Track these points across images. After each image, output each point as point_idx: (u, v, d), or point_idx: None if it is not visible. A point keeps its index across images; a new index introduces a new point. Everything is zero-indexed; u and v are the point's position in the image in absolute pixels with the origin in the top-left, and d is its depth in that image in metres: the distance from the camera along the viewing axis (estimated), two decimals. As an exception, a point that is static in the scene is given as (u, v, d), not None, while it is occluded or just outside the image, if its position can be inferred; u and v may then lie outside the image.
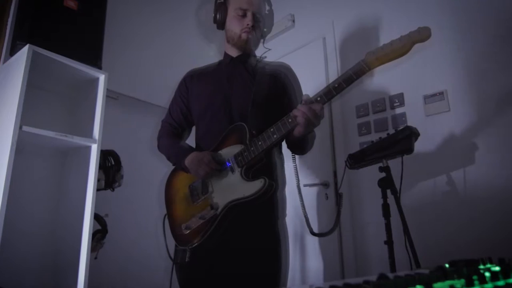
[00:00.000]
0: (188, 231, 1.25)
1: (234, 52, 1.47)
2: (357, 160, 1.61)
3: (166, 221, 1.36)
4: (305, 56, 2.72)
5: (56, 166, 1.92)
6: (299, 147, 1.33)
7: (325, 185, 2.38)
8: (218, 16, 1.47)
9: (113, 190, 1.87)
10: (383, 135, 1.58)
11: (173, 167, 1.43)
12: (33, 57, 1.56)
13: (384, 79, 2.18)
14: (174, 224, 1.32)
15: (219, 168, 1.23)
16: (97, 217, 1.75)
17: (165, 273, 1.44)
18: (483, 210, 1.69)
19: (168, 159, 1.43)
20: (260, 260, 1.20)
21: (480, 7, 1.85)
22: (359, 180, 2.21)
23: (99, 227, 1.79)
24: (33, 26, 1.64)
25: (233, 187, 1.21)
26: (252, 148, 1.19)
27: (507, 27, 1.74)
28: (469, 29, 1.87)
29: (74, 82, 1.90)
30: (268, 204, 1.26)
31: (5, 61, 1.79)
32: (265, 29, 1.51)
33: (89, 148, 1.74)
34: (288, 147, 1.38)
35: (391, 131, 1.72)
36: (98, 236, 1.77)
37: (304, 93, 1.18)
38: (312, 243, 2.37)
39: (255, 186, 1.15)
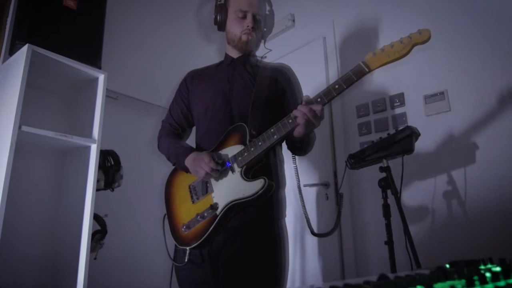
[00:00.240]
0: (188, 231, 1.25)
1: (234, 53, 1.47)
2: (357, 160, 1.61)
3: (166, 221, 1.36)
4: (305, 56, 2.72)
5: (55, 166, 1.92)
6: (299, 148, 1.33)
7: (325, 185, 2.38)
8: (218, 17, 1.47)
9: (112, 190, 1.86)
10: (384, 135, 1.58)
11: (173, 167, 1.43)
12: (33, 56, 1.56)
13: (385, 79, 2.17)
14: (173, 224, 1.31)
15: (219, 168, 1.22)
16: (96, 218, 1.74)
17: (165, 273, 1.43)
18: (484, 210, 1.68)
19: (168, 159, 1.43)
20: (259, 261, 1.20)
21: (480, 7, 1.84)
22: (360, 180, 2.21)
23: (98, 227, 1.79)
24: (33, 26, 1.64)
25: (233, 187, 1.21)
26: (252, 149, 1.20)
27: (507, 26, 1.74)
28: (469, 29, 1.87)
29: (74, 82, 1.90)
30: (267, 205, 1.25)
31: (4, 60, 1.79)
32: (265, 29, 1.51)
33: (88, 148, 1.74)
34: (288, 148, 1.38)
35: (392, 131, 1.72)
36: (98, 236, 1.77)
37: (304, 93, 1.18)
38: (312, 243, 2.37)
39: (255, 186, 1.15)
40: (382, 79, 2.19)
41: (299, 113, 1.11)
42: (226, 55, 1.50)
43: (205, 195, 1.26)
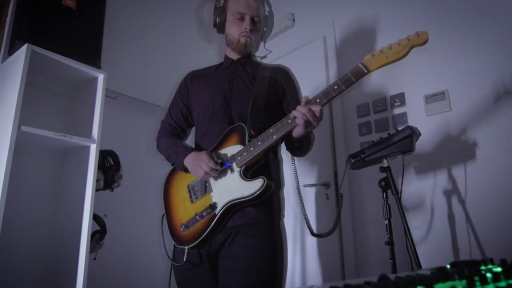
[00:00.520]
0: (186, 231, 1.24)
1: (234, 55, 1.48)
2: (358, 160, 1.61)
3: (164, 221, 1.36)
4: (305, 56, 2.72)
5: (55, 166, 1.92)
6: (298, 148, 1.34)
7: (325, 185, 2.38)
8: (217, 20, 1.48)
9: (112, 190, 1.86)
10: (384, 135, 1.57)
11: (172, 167, 1.43)
12: (32, 56, 1.55)
13: (385, 78, 2.17)
14: (172, 224, 1.31)
15: (219, 168, 1.22)
16: (96, 218, 1.74)
17: (164, 273, 1.43)
18: (485, 211, 1.68)
19: (167, 159, 1.43)
20: (258, 261, 1.20)
21: (480, 7, 1.84)
22: (360, 180, 2.20)
23: (98, 227, 1.78)
24: (32, 26, 1.64)
25: (232, 187, 1.21)
26: (251, 149, 1.20)
27: (507, 26, 1.73)
28: (470, 29, 1.86)
29: (73, 82, 1.90)
30: (267, 205, 1.25)
31: (3, 60, 1.79)
32: (265, 29, 1.51)
33: (88, 148, 1.74)
34: (288, 148, 1.39)
35: (392, 131, 1.72)
36: (97, 236, 1.76)
37: (304, 92, 1.19)
38: (313, 243, 2.37)
39: (254, 186, 1.15)
40: (383, 79, 2.18)
41: (298, 113, 1.12)
42: (226, 57, 1.51)
43: (204, 194, 1.26)
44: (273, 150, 1.36)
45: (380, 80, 2.20)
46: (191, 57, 2.65)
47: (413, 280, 0.42)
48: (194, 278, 1.27)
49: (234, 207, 1.20)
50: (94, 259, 1.71)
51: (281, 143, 1.39)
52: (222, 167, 1.24)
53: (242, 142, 1.24)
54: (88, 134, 1.75)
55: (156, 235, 1.35)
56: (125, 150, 2.00)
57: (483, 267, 0.50)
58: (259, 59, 1.55)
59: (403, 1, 2.18)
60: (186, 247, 1.22)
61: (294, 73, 1.50)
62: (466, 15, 1.89)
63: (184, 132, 1.53)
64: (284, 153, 1.42)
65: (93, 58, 1.81)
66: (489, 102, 1.75)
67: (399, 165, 1.57)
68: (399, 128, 1.55)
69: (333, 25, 2.57)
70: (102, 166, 1.80)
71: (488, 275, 0.43)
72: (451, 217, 1.79)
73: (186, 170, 1.32)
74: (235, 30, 1.42)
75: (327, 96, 1.12)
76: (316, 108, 1.11)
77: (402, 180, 1.56)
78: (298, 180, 1.36)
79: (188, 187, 1.32)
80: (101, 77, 1.83)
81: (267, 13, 1.51)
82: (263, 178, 1.15)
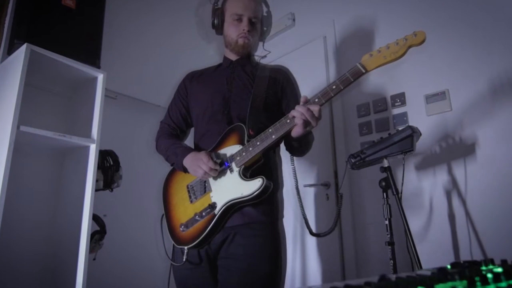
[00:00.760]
0: (186, 231, 1.24)
1: (233, 56, 1.48)
2: (358, 160, 1.60)
3: (164, 221, 1.35)
4: (305, 55, 2.71)
5: (54, 166, 1.91)
6: (297, 148, 1.34)
7: (325, 185, 2.37)
8: (216, 21, 1.48)
9: (111, 190, 1.86)
10: (385, 134, 1.57)
11: (171, 167, 1.43)
12: (31, 56, 1.55)
13: (385, 78, 2.16)
14: (172, 224, 1.31)
15: (218, 168, 1.22)
16: (95, 218, 1.73)
17: (164, 273, 1.42)
18: (486, 211, 1.67)
19: (166, 159, 1.43)
20: (258, 261, 1.19)
21: (480, 7, 1.83)
22: (360, 181, 2.20)
23: (97, 227, 1.78)
24: (31, 25, 1.63)
25: (231, 187, 1.21)
26: (250, 148, 1.20)
27: (507, 26, 1.73)
28: (470, 29, 1.86)
29: (73, 82, 1.90)
30: (266, 204, 1.25)
31: (2, 60, 1.78)
32: (264, 28, 1.51)
33: (87, 148, 1.73)
34: (287, 149, 1.39)
35: (393, 131, 1.72)
36: (97, 237, 1.76)
37: (304, 92, 1.20)
38: (313, 243, 2.36)
39: (253, 185, 1.16)
40: (383, 79, 2.18)
41: (297, 113, 1.12)
42: (225, 58, 1.51)
43: (203, 194, 1.26)
44: (273, 150, 1.36)
45: (381, 80, 2.19)
46: (191, 57, 2.65)
47: (414, 281, 0.42)
48: (193, 278, 1.27)
49: (234, 207, 1.20)
50: (94, 259, 1.71)
51: (281, 143, 1.39)
52: (221, 167, 1.24)
53: (241, 142, 1.24)
54: (87, 134, 1.75)
55: (156, 235, 1.35)
56: (125, 150, 1.99)
57: (483, 268, 0.50)
58: (258, 59, 1.55)
59: (403, 1, 2.17)
60: (186, 247, 1.22)
61: (294, 73, 1.50)
62: (466, 15, 1.88)
63: (183, 132, 1.53)
64: (284, 153, 1.42)
65: (92, 57, 1.81)
66: (490, 102, 1.75)
67: (400, 165, 1.57)
68: (400, 128, 1.54)
69: (333, 25, 2.57)
70: (101, 166, 1.80)
71: (489, 275, 0.42)
72: (451, 217, 1.78)
73: (185, 170, 1.32)
74: (233, 31, 1.42)
75: (326, 96, 1.13)
76: (314, 108, 1.11)
77: (403, 180, 1.55)
78: (297, 180, 1.36)
79: (188, 187, 1.32)
80: (100, 77, 1.83)
81: (265, 14, 1.51)
82: (262, 178, 1.15)
